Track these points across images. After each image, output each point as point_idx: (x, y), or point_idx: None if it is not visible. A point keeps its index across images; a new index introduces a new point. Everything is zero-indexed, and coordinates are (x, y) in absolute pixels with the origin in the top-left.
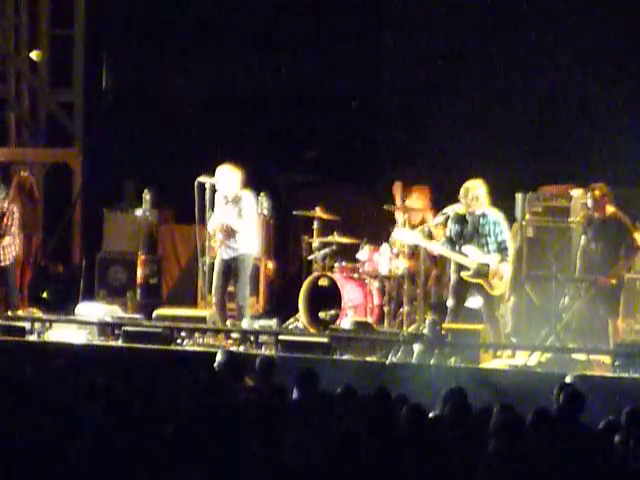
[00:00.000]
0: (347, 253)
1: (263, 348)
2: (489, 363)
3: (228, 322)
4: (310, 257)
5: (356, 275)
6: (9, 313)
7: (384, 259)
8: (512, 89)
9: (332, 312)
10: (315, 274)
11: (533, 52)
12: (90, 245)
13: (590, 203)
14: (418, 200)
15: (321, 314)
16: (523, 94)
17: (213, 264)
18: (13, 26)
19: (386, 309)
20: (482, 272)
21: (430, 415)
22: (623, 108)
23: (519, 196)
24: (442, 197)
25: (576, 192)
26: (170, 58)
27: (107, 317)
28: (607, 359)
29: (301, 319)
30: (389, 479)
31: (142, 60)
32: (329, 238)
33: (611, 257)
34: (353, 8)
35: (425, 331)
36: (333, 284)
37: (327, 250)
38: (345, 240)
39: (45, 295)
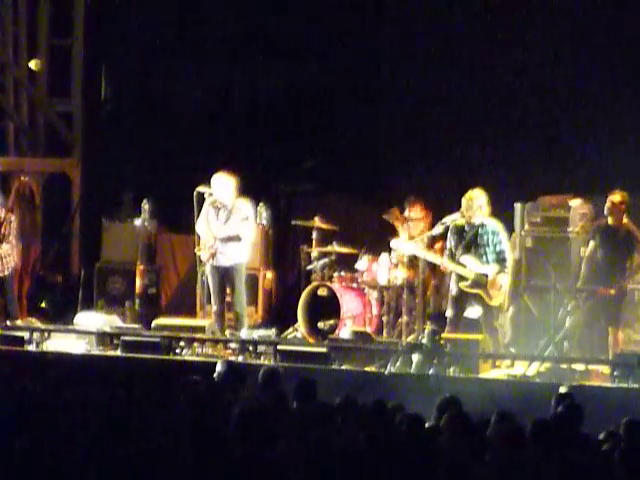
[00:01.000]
0: (346, 263)
1: (262, 358)
2: (488, 373)
3: (227, 332)
4: (309, 267)
5: (355, 285)
6: (8, 323)
7: (383, 269)
8: (512, 98)
9: (331, 322)
10: (314, 284)
11: (534, 59)
12: (89, 255)
13: (607, 208)
14: (416, 210)
15: (320, 324)
16: (523, 103)
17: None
18: (12, 35)
19: (385, 319)
20: (480, 282)
21: (426, 425)
22: (623, 117)
23: (518, 206)
24: (441, 206)
25: (575, 202)
26: (168, 68)
27: (106, 327)
28: (606, 369)
29: (300, 329)
30: None
31: (141, 70)
32: (328, 248)
33: (618, 267)
34: (352, 19)
35: (424, 341)
36: (332, 294)
37: (326, 260)
38: (344, 250)
39: (44, 305)
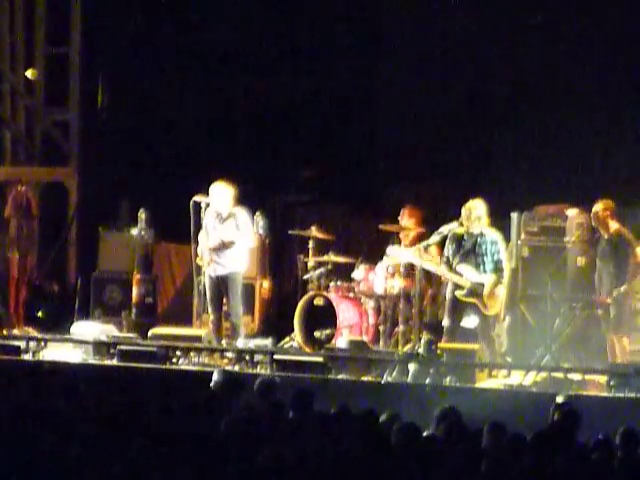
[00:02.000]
0: (342, 272)
1: (258, 367)
2: (484, 383)
3: (223, 341)
4: (305, 276)
5: (351, 294)
6: (4, 332)
7: (379, 278)
8: (508, 109)
9: (327, 331)
10: (310, 293)
11: (528, 70)
12: (85, 264)
13: (593, 220)
14: (410, 219)
15: (316, 333)
16: (519, 113)
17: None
18: (9, 44)
19: (381, 328)
20: (476, 292)
21: (424, 434)
22: (621, 127)
23: (514, 215)
24: (437, 216)
25: (571, 212)
26: (165, 77)
27: (102, 336)
28: (602, 379)
29: (296, 338)
30: None
31: (138, 79)
32: (324, 257)
33: (614, 274)
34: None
35: (420, 350)
36: (328, 303)
37: (322, 269)
38: (340, 259)
39: (40, 314)
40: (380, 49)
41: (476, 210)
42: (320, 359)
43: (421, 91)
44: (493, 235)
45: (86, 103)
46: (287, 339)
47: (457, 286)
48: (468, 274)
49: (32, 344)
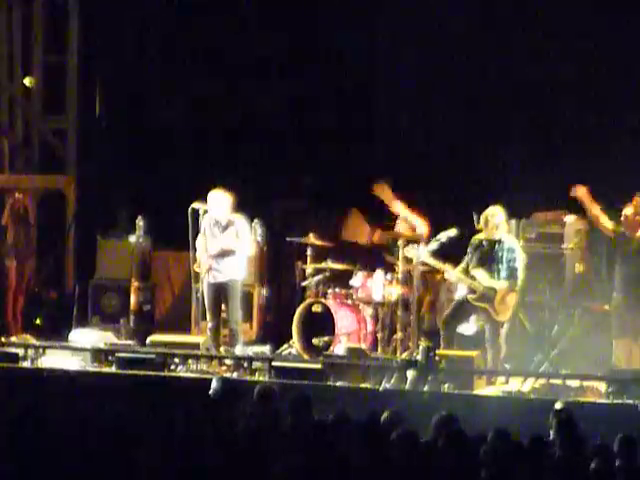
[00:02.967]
0: (341, 279)
1: (257, 374)
2: (483, 389)
3: (221, 348)
4: (304, 283)
5: (350, 301)
6: (2, 340)
7: (378, 285)
8: (507, 114)
9: (326, 338)
10: (308, 300)
11: (525, 76)
12: (84, 271)
13: (623, 224)
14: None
15: (315, 340)
16: (517, 119)
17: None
18: (6, 53)
19: (380, 335)
20: (488, 296)
21: (422, 441)
22: (619, 133)
23: (513, 222)
24: (436, 223)
25: (569, 218)
26: (163, 85)
27: (100, 343)
28: (602, 385)
29: (295, 345)
30: None
31: (135, 87)
32: (322, 264)
33: (609, 280)
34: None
35: (418, 357)
36: (326, 310)
37: (321, 276)
38: (338, 266)
39: (38, 321)
40: (378, 54)
41: (494, 218)
42: (318, 366)
43: (420, 100)
44: (511, 242)
45: (84, 111)
46: (285, 346)
47: (470, 290)
48: (481, 278)
49: (30, 351)
